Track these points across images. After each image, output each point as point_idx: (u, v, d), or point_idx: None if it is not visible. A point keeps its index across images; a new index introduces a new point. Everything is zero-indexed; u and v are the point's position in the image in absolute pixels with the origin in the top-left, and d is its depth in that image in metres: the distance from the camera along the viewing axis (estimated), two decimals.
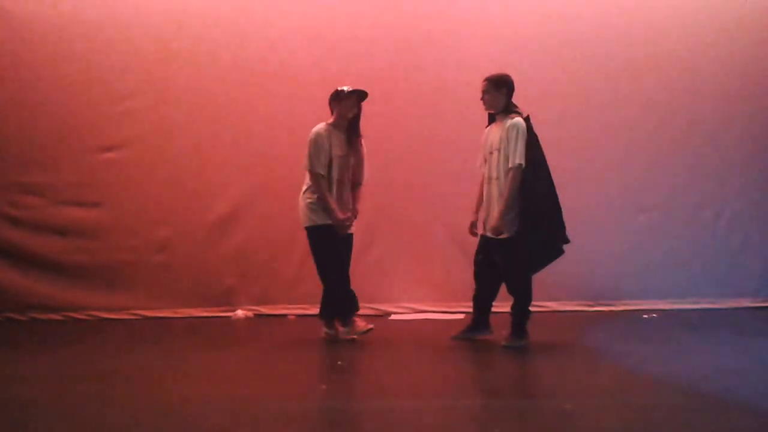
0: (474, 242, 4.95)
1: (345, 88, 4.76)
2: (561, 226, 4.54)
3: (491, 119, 4.72)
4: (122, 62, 6.11)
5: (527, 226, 4.43)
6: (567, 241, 4.55)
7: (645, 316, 5.76)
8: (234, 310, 6.02)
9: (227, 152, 6.14)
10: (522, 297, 4.58)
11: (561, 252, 4.57)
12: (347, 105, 4.74)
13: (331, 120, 4.81)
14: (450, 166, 5.97)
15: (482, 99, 4.62)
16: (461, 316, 5.67)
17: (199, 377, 3.98)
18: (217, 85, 6.12)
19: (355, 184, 4.92)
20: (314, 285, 5.91)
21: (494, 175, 4.55)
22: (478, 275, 4.78)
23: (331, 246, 4.75)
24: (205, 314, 6.01)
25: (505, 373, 4.07)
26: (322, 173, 4.68)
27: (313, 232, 4.75)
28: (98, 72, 6.10)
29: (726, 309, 5.93)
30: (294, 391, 3.67)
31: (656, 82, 6.15)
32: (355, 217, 4.93)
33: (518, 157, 4.43)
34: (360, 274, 5.95)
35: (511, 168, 4.44)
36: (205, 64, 6.12)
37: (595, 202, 6.13)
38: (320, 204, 4.70)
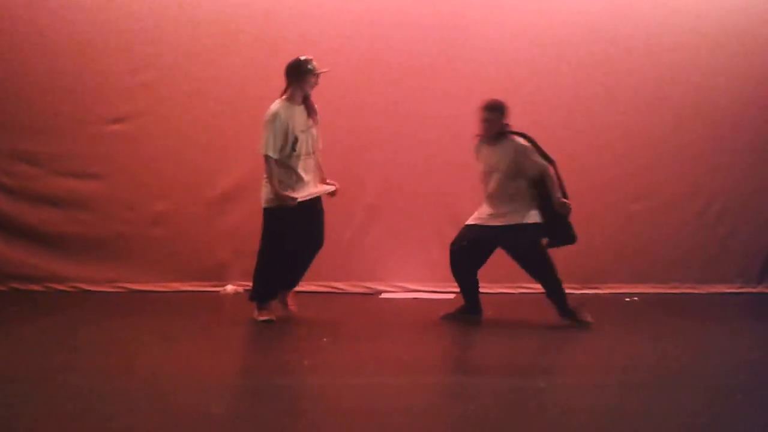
0: (458, 221, 5.10)
1: (312, 64, 4.63)
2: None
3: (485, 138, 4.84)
4: (139, 34, 6.02)
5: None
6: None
7: (627, 299, 5.87)
8: (224, 285, 6.01)
9: (233, 129, 6.05)
10: (553, 279, 4.73)
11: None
12: (312, 82, 4.65)
13: (285, 96, 4.66)
14: (445, 148, 6.00)
15: (484, 125, 4.78)
16: (452, 296, 5.73)
17: (179, 351, 3.98)
18: (230, 63, 6.03)
19: (315, 152, 4.80)
20: None
21: (494, 192, 4.75)
22: (456, 263, 4.89)
23: (281, 228, 4.64)
24: (193, 288, 5.99)
25: (486, 352, 4.14)
26: (274, 156, 4.57)
27: (266, 212, 4.71)
28: (113, 43, 6.02)
29: (706, 294, 6.04)
30: (277, 366, 3.69)
31: (651, 76, 6.17)
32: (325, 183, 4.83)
33: (540, 166, 4.69)
34: (351, 252, 6.10)
35: (541, 175, 4.68)
36: (219, 40, 6.03)
37: (586, 191, 6.11)
38: (272, 188, 4.56)
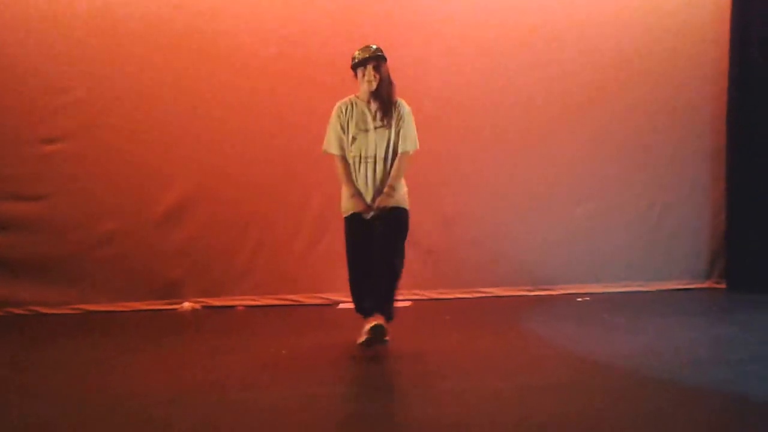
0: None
1: (355, 55, 4.30)
2: None
3: None
4: (62, 52, 5.89)
5: None
6: None
7: (579, 299, 6.02)
8: (181, 303, 5.96)
9: (174, 143, 5.99)
10: None
11: None
12: (362, 76, 4.28)
13: (358, 93, 4.40)
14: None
15: None
16: (408, 303, 5.77)
17: (140, 371, 3.95)
18: (164, 75, 5.95)
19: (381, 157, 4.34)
20: (263, 276, 6.03)
21: None
22: None
23: (349, 237, 4.34)
24: (150, 307, 5.91)
25: (444, 357, 4.17)
26: (336, 153, 4.34)
27: (344, 222, 4.41)
28: (36, 62, 5.88)
29: (653, 291, 6.24)
30: (237, 382, 3.67)
31: (593, 80, 6.31)
32: (388, 194, 4.26)
33: None
34: (308, 263, 6.07)
35: None
36: (151, 54, 5.94)
37: (537, 194, 6.29)
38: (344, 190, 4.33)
